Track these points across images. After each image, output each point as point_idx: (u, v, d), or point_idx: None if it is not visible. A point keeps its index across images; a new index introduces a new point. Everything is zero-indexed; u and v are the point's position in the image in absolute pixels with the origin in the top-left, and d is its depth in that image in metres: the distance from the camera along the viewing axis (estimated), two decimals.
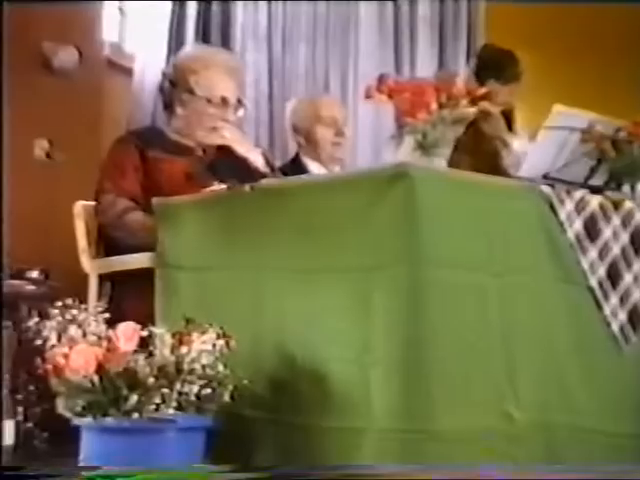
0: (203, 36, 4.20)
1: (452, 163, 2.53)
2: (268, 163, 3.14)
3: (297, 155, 3.81)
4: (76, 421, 2.21)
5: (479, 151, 3.36)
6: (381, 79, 2.59)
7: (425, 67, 4.69)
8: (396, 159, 2.46)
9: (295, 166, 3.68)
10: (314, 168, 3.73)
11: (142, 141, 3.04)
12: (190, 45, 3.93)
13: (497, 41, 3.88)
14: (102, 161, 3.08)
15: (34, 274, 3.27)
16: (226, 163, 3.08)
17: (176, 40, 4.09)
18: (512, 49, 3.67)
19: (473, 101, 2.62)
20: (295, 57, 4.46)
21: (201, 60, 3.15)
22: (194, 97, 3.09)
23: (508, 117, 3.54)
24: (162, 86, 3.18)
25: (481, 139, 3.43)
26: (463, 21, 4.81)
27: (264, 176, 2.90)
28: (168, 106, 3.15)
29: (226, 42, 4.23)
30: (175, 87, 3.11)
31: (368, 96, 2.58)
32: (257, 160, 3.08)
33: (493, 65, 3.56)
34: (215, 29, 4.22)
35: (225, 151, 3.11)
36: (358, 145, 4.43)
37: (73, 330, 2.22)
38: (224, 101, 3.12)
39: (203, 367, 2.21)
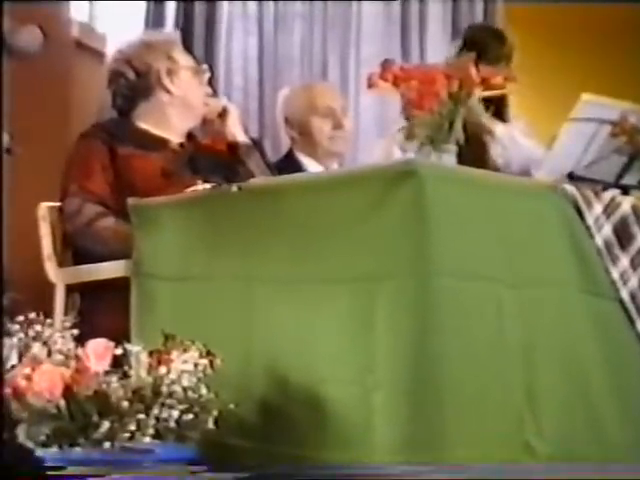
0: (184, 15, 4.22)
1: None
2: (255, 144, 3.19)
3: (290, 151, 3.83)
4: (39, 452, 2.22)
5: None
6: (386, 65, 2.61)
7: (436, 52, 4.69)
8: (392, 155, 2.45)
9: (288, 163, 3.70)
10: (310, 165, 3.75)
11: (110, 135, 3.04)
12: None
13: (517, 35, 3.85)
14: (65, 160, 3.08)
15: None
16: (207, 157, 3.09)
17: (154, 19, 4.11)
18: (503, 29, 3.64)
19: (488, 89, 2.63)
20: (289, 38, 4.47)
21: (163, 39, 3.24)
22: (182, 71, 3.13)
23: (497, 103, 3.51)
24: (137, 75, 3.16)
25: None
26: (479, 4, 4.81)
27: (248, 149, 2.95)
28: (142, 97, 3.15)
29: (211, 21, 4.25)
30: (150, 71, 3.12)
31: (371, 84, 2.60)
32: (240, 134, 3.14)
33: (475, 45, 3.54)
34: (199, 7, 4.24)
35: (204, 144, 3.13)
36: (360, 139, 4.44)
37: (37, 348, 2.23)
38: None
39: (184, 390, 2.22)
